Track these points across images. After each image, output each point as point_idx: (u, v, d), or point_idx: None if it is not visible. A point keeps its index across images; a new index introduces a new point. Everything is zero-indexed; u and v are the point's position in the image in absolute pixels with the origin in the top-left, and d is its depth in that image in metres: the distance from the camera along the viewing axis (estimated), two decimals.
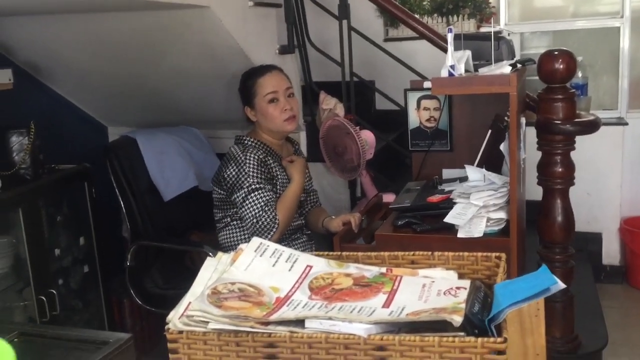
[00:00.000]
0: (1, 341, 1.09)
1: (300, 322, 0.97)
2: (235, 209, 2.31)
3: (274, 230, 2.20)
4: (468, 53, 2.12)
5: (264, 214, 2.20)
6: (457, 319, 0.89)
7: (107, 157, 2.62)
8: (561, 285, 0.91)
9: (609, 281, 3.69)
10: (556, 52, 2.13)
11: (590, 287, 3.19)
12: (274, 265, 1.13)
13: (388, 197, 2.63)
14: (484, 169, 2.14)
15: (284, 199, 2.29)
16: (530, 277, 0.94)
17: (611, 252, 3.72)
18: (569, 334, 2.31)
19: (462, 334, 0.90)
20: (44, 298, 2.35)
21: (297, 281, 1.09)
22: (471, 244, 1.92)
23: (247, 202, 2.23)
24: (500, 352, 0.88)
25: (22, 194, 2.32)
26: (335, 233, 2.28)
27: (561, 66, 2.10)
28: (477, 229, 1.98)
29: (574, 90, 2.20)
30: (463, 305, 0.94)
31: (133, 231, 2.64)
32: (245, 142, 2.35)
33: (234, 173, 2.26)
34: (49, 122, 2.87)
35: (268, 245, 1.17)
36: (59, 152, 2.72)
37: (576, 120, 2.17)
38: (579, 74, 3.52)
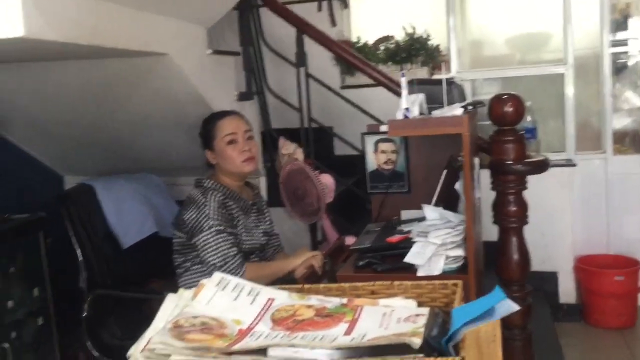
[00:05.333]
0: None
1: (263, 352, 0.97)
2: (196, 253, 2.30)
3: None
4: (422, 96, 2.20)
5: (228, 259, 2.20)
6: (417, 341, 0.91)
7: (63, 205, 2.58)
8: (512, 304, 0.94)
9: (567, 320, 3.74)
10: (505, 96, 2.21)
11: (549, 326, 3.24)
12: (235, 299, 1.13)
13: (350, 240, 2.64)
14: (441, 208, 2.20)
15: (264, 265, 2.32)
16: (484, 298, 0.98)
17: (567, 291, 3.79)
18: None
19: (421, 355, 0.91)
20: None
21: (259, 313, 1.09)
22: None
23: (208, 245, 2.22)
24: None
25: None
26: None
27: (510, 109, 2.18)
28: (437, 267, 2.00)
29: (523, 132, 2.29)
30: (422, 329, 0.96)
31: (90, 280, 2.58)
32: (205, 184, 2.36)
33: (194, 216, 2.25)
34: (2, 172, 2.82)
35: (230, 280, 1.17)
36: (12, 202, 2.67)
37: (526, 160, 2.25)
38: (528, 118, 3.67)
